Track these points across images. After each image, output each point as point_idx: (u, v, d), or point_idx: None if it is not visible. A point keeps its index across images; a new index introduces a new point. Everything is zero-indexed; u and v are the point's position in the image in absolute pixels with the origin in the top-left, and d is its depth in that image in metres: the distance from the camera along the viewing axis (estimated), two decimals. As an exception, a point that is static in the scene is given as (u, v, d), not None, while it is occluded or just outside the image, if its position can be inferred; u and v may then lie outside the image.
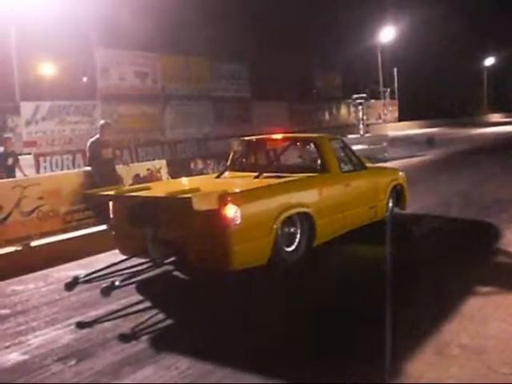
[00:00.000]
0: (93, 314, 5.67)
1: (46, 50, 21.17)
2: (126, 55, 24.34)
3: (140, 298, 6.07)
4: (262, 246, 6.54)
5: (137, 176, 11.38)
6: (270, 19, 33.37)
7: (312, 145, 8.71)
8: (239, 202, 6.27)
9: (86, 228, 9.84)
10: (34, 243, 8.97)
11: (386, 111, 44.25)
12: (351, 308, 5.48)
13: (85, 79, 23.93)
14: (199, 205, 5.85)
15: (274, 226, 6.63)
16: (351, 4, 40.95)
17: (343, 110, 40.27)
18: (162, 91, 25.97)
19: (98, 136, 10.16)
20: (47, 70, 23.15)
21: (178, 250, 6.43)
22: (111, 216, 7.46)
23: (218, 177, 8.41)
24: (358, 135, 25.17)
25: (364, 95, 26.46)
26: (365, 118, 26.30)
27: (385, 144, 23.71)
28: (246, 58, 30.51)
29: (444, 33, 56.59)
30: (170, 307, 5.80)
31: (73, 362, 4.60)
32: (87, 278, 6.29)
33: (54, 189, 9.35)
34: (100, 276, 6.32)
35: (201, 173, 14.08)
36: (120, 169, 10.56)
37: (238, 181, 7.90)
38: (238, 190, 6.78)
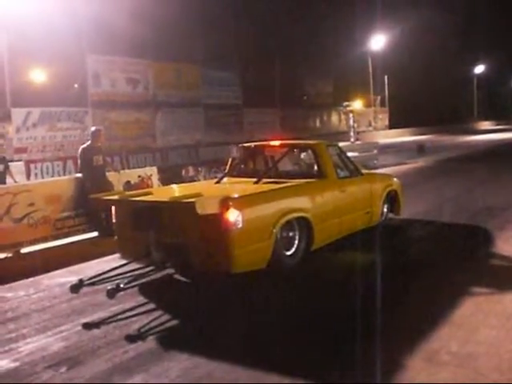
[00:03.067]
0: (83, 321, 5.65)
1: (37, 57, 21.15)
2: (118, 62, 24.37)
3: (131, 304, 6.03)
4: (263, 249, 6.70)
5: (128, 183, 11.35)
6: (262, 27, 33.53)
7: (310, 151, 8.87)
8: (241, 206, 6.44)
9: (77, 234, 9.78)
10: (24, 250, 8.90)
11: (376, 118, 44.59)
12: (342, 313, 5.44)
13: (76, 86, 23.93)
14: (202, 209, 6.03)
15: (274, 230, 6.79)
16: (342, 12, 41.21)
17: (334, 117, 40.50)
18: (153, 98, 26.05)
19: (89, 143, 10.13)
20: (38, 76, 23.11)
21: (180, 253, 6.55)
22: (114, 221, 7.78)
23: (217, 182, 8.59)
24: (349, 142, 25.23)
25: (353, 103, 26.61)
26: (355, 125, 26.40)
27: (375, 151, 23.77)
28: (237, 65, 30.69)
29: (434, 40, 57.02)
30: (161, 314, 5.74)
31: (63, 370, 4.58)
32: (92, 280, 6.34)
33: (44, 195, 9.30)
34: (104, 279, 6.38)
35: (192, 180, 14.08)
36: (111, 175, 10.51)
37: (238, 186, 8.01)
38: (239, 195, 6.90)
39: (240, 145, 9.77)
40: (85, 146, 10.15)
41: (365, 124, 42.02)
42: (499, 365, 4.35)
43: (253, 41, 31.77)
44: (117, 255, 7.52)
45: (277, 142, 9.21)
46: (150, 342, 5.10)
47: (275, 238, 6.83)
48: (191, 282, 6.96)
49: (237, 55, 30.50)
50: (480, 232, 9.14)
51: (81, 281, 6.33)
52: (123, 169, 14.02)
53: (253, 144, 9.56)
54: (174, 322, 5.62)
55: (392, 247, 8.05)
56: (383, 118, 46.82)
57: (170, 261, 6.71)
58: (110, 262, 7.18)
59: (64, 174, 17.56)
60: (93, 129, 10.88)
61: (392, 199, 9.79)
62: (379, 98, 45.37)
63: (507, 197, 12.82)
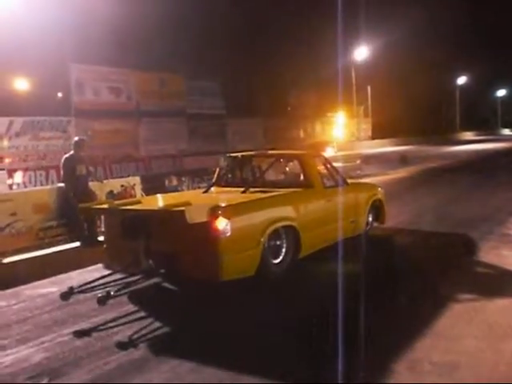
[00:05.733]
0: (65, 331, 5.59)
1: (20, 66, 21.06)
2: (101, 71, 24.26)
3: (113, 315, 5.98)
4: (251, 257, 6.78)
5: (111, 192, 11.27)
6: (247, 37, 33.63)
7: (296, 161, 9.03)
8: (229, 215, 6.48)
9: (59, 245, 9.70)
10: (6, 260, 8.80)
11: (359, 129, 44.81)
12: (324, 322, 5.37)
13: (59, 95, 23.84)
14: (192, 217, 6.04)
15: (262, 239, 6.88)
16: (326, 23, 41.51)
17: (317, 128, 40.70)
18: (136, 107, 26.01)
19: (72, 152, 10.09)
20: (21, 85, 23.01)
21: (169, 261, 6.64)
22: (104, 230, 7.98)
23: (205, 192, 8.71)
24: (332, 153, 25.36)
25: (337, 113, 26.72)
26: (339, 135, 26.53)
27: (358, 161, 23.88)
28: (221, 75, 30.73)
29: (416, 52, 57.55)
30: (144, 324, 5.68)
31: (45, 381, 4.53)
32: (82, 288, 6.50)
33: (27, 205, 9.26)
34: (94, 287, 6.54)
35: (175, 190, 14.04)
36: (94, 185, 10.47)
37: (226, 195, 8.09)
38: (228, 204, 6.90)
39: (227, 155, 9.74)
40: (68, 155, 10.10)
41: (348, 134, 42.23)
42: (481, 375, 4.37)
43: (237, 51, 31.91)
44: (99, 265, 7.60)
45: (264, 152, 9.64)
46: (133, 353, 5.04)
47: (263, 247, 6.90)
48: (175, 293, 6.96)
49: (221, 65, 30.64)
50: (462, 242, 9.27)
51: (71, 288, 6.45)
52: (106, 178, 13.98)
53: (240, 154, 9.51)
54: (157, 333, 5.55)
55: (375, 256, 8.11)
56: (366, 129, 47.03)
57: (159, 269, 6.81)
58: (92, 272, 7.13)
59: (47, 184, 17.41)
60: (76, 138, 10.83)
61: (377, 208, 9.97)
62: (362, 108, 45.65)
63: (488, 208, 12.86)
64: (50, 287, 7.10)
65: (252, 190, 8.09)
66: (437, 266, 7.84)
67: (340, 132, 37.19)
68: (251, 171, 9.51)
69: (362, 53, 43.52)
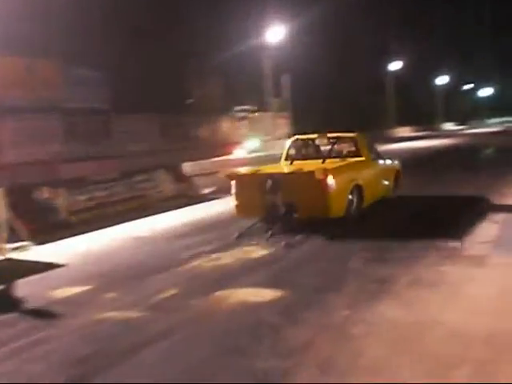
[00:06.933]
0: None
1: None
2: None
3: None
4: (343, 203, 13.14)
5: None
6: (140, 16, 33.32)
7: (351, 141, 15.72)
8: (333, 174, 12.79)
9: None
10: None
11: (275, 126, 45.08)
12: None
13: None
14: (318, 176, 12.41)
15: (348, 191, 13.38)
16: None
17: (226, 125, 40.63)
18: (-2, 101, 25.19)
19: None
20: None
21: (294, 207, 12.60)
22: (234, 191, 13.70)
23: (291, 163, 15.26)
24: (242, 155, 25.38)
25: (249, 107, 26.80)
26: (251, 133, 26.61)
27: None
28: (107, 62, 30.17)
29: (343, 35, 58.98)
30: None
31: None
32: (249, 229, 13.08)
33: None
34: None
35: (49, 204, 13.82)
36: None
37: (313, 163, 14.42)
38: (330, 168, 13.18)
39: (295, 137, 16.91)
40: None
41: (262, 133, 42.01)
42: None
43: (126, 34, 31.49)
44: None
45: (324, 134, 16.09)
46: None
47: (347, 197, 13.32)
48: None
49: (106, 51, 30.07)
50: (397, 258, 10.48)
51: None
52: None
53: (306, 136, 16.60)
54: None
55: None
56: (283, 126, 47.56)
57: (287, 213, 12.62)
58: None
59: None
60: None
61: (397, 177, 17.50)
62: (278, 101, 46.13)
63: (427, 228, 13.32)
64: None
65: (328, 160, 14.59)
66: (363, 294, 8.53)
67: (253, 129, 37.40)
68: (315, 148, 16.20)
69: (277, 33, 44.01)
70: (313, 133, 16.56)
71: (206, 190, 22.43)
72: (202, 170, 24.19)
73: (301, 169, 13.49)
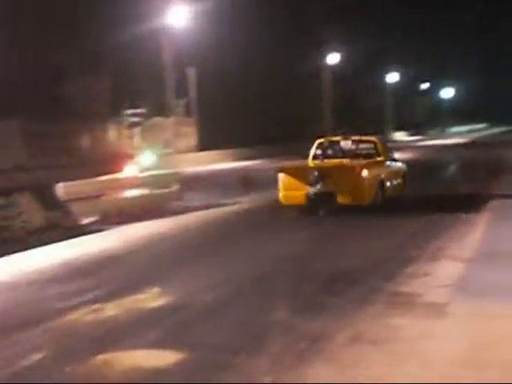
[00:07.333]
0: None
1: None
2: None
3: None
4: (373, 192, 20.94)
5: None
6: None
7: (371, 143, 23.41)
8: (366, 168, 20.96)
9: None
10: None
11: (179, 135, 44.75)
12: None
13: None
14: (358, 169, 20.80)
15: (376, 183, 21.29)
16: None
17: (113, 134, 39.78)
18: None
19: None
20: None
21: (333, 195, 20.27)
22: (280, 183, 21.41)
23: (322, 161, 22.90)
24: (133, 173, 25.00)
25: (143, 110, 26.70)
26: (145, 145, 26.48)
27: (177, 186, 24.21)
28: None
29: (269, 27, 59.08)
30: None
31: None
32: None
33: None
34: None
35: None
36: None
37: (345, 161, 22.45)
38: (363, 164, 21.34)
39: (321, 140, 24.01)
40: None
41: (160, 143, 40.52)
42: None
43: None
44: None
45: (348, 137, 23.66)
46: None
47: (376, 188, 21.07)
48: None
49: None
50: (336, 306, 10.46)
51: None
52: None
53: (331, 138, 24.43)
54: None
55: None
56: (189, 135, 47.18)
57: (330, 200, 20.22)
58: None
59: None
60: None
61: (404, 178, 24.79)
62: (183, 103, 45.80)
63: (370, 258, 14.02)
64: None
65: (352, 159, 22.19)
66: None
67: (149, 139, 37.18)
68: (340, 149, 23.21)
69: (180, 16, 43.85)
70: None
71: (87, 220, 21.57)
72: (82, 192, 22.59)
73: (342, 163, 22.06)
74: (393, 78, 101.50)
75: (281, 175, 21.44)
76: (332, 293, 11.27)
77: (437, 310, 9.80)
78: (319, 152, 23.31)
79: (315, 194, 20.39)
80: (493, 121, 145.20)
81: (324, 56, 75.19)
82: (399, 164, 25.08)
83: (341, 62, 77.36)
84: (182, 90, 45.01)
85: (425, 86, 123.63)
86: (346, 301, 10.69)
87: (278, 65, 64.03)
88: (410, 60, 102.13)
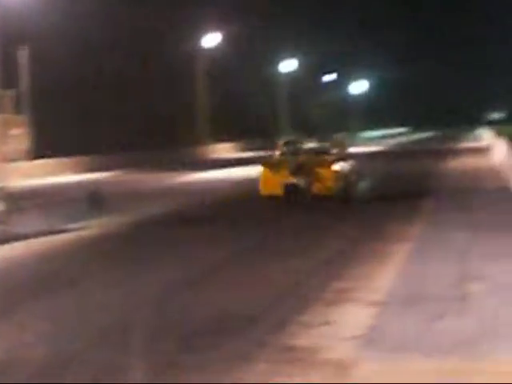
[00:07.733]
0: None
1: None
2: None
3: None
4: (339, 186, 30.71)
5: None
6: None
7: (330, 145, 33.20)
8: (336, 162, 31.37)
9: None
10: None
11: (7, 137, 44.69)
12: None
13: None
14: (330, 163, 31.53)
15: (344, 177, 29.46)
16: None
17: None
18: None
19: None
20: None
21: (306, 186, 30.55)
22: (261, 175, 31.78)
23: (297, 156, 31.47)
24: None
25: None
26: None
27: (1, 206, 24.10)
28: None
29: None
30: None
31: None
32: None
33: None
34: None
35: None
36: None
37: (309, 158, 31.98)
38: (332, 159, 31.35)
39: (286, 139, 36.89)
40: None
41: None
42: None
43: None
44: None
45: (298, 139, 36.23)
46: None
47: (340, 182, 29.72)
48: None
49: None
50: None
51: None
52: None
53: (289, 139, 38.45)
54: None
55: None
56: (20, 137, 47.17)
57: (305, 190, 30.32)
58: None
59: None
60: None
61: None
62: (11, 95, 45.58)
63: (260, 299, 13.94)
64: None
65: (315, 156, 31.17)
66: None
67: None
68: (300, 148, 34.33)
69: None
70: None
71: None
72: None
73: (316, 157, 29.68)
74: (289, 66, 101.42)
75: (262, 167, 30.00)
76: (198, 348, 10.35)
77: (340, 369, 9.50)
78: (284, 150, 33.13)
79: (292, 184, 28.55)
80: (417, 123, 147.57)
81: (199, 38, 75.10)
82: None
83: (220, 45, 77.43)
84: (9, 78, 44.03)
85: (329, 77, 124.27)
86: (218, 358, 9.79)
87: (143, 49, 63.94)
88: (310, 45, 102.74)
